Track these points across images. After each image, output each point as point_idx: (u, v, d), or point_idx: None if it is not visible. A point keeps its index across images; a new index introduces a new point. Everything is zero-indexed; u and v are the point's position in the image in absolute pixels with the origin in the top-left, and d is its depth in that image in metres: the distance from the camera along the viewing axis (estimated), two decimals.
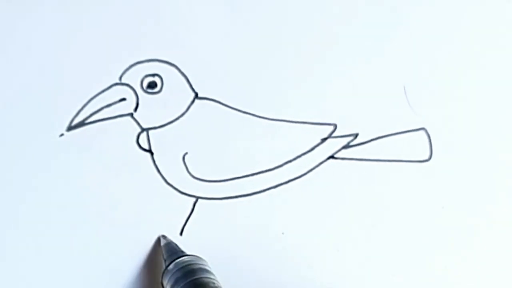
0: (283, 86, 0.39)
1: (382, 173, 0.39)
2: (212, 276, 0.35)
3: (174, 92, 0.38)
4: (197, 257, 0.36)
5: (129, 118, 0.38)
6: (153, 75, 0.38)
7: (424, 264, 0.39)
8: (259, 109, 0.39)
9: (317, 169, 0.39)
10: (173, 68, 0.38)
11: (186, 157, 0.38)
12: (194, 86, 0.39)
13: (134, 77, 0.38)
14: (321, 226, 0.39)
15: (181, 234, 0.38)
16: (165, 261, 0.36)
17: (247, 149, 0.39)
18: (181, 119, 0.38)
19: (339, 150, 0.39)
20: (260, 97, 0.39)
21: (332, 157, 0.39)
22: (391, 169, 0.39)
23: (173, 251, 0.37)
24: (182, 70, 0.39)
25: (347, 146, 0.39)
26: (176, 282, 0.34)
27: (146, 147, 0.38)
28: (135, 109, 0.38)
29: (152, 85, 0.38)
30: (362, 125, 0.39)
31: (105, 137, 0.38)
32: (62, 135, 0.38)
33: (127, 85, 0.38)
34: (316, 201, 0.39)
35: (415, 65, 0.40)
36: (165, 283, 0.35)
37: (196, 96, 0.39)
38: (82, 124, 0.38)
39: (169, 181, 0.38)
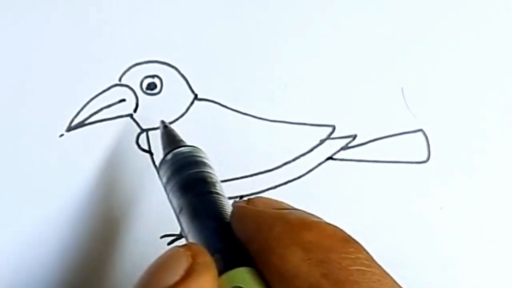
0: (282, 88, 0.39)
1: (381, 174, 0.40)
2: (210, 170, 0.32)
3: (174, 93, 0.39)
4: (197, 148, 0.33)
5: (128, 119, 0.38)
6: (153, 76, 0.38)
7: (422, 264, 0.39)
8: (258, 110, 0.39)
9: (315, 170, 0.39)
10: (172, 70, 0.39)
11: None
12: (193, 88, 0.39)
13: (134, 78, 0.38)
14: None
15: (180, 234, 0.38)
16: (163, 149, 0.34)
17: (246, 150, 0.39)
18: (180, 120, 0.38)
19: (338, 151, 0.39)
20: (259, 99, 0.39)
21: (330, 158, 0.39)
22: (389, 170, 0.40)
23: (172, 140, 0.34)
24: (182, 71, 0.39)
25: (345, 147, 0.39)
26: (172, 174, 0.32)
27: (146, 147, 0.38)
28: (135, 110, 0.38)
29: (151, 86, 0.38)
30: (361, 126, 0.40)
31: (105, 137, 0.38)
32: (61, 135, 0.38)
33: (127, 86, 0.38)
34: (314, 202, 0.39)
35: (413, 66, 0.40)
36: (161, 174, 0.33)
37: (196, 97, 0.39)
38: (81, 124, 0.38)
39: None
